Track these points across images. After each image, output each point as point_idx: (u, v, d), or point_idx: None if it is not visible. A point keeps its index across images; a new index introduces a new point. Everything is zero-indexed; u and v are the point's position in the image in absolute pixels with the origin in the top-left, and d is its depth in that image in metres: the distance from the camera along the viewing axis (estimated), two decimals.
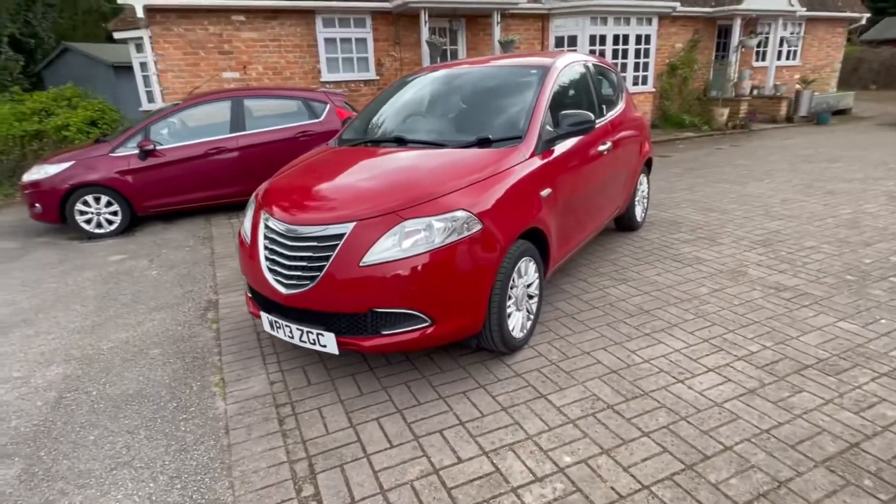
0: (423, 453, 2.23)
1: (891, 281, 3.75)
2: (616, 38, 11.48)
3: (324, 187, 2.92)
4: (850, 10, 15.37)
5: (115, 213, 6.17)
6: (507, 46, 9.75)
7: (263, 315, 2.84)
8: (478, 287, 2.60)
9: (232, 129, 6.54)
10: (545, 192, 3.05)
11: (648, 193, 5.39)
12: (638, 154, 4.75)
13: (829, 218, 5.31)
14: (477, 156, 2.92)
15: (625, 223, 5.03)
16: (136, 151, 6.12)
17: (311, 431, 2.42)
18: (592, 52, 11.25)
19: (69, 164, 5.98)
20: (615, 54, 11.52)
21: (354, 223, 2.53)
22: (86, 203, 6.03)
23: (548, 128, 3.23)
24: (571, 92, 3.74)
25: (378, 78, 10.07)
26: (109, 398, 2.79)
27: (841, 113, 14.81)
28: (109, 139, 6.38)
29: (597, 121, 3.90)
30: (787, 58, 15.10)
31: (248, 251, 2.92)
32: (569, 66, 3.74)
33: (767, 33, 14.02)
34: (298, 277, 2.61)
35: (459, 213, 2.55)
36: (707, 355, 2.89)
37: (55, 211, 5.96)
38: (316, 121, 6.84)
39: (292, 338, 2.71)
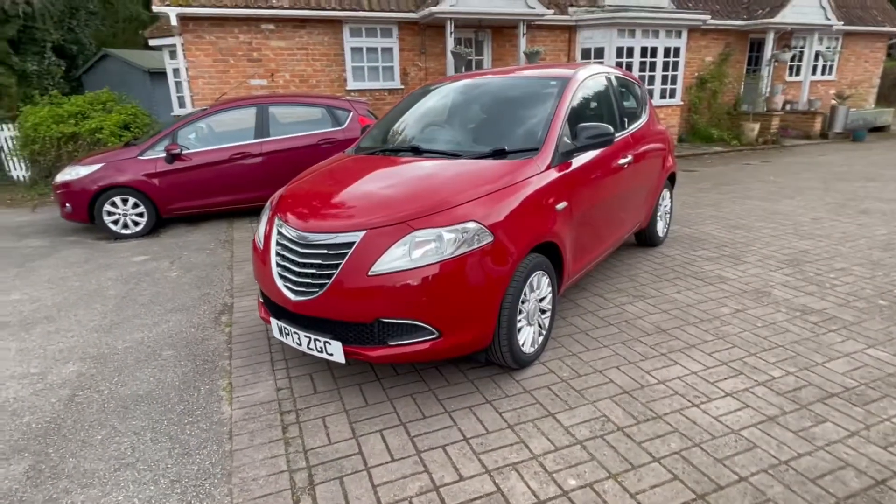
0: (424, 469, 2.19)
1: None
2: (644, 51, 11.34)
3: (336, 195, 2.92)
4: (891, 24, 14.89)
5: (141, 215, 6.32)
6: (532, 57, 9.72)
7: (273, 321, 2.85)
8: (487, 300, 2.56)
9: (256, 134, 6.65)
10: (560, 206, 3.00)
11: (671, 209, 5.27)
12: (660, 168, 4.65)
13: (861, 239, 5.10)
14: (491, 167, 2.89)
15: (646, 238, 4.92)
16: (164, 155, 6.27)
17: (313, 441, 2.39)
18: (619, 65, 11.15)
19: (99, 166, 6.16)
20: (642, 67, 11.39)
21: (364, 232, 2.52)
22: (114, 204, 6.19)
23: (565, 140, 3.18)
24: (592, 104, 3.68)
25: (403, 87, 10.14)
26: (120, 398, 2.82)
27: (879, 130, 14.33)
28: (139, 142, 6.56)
29: (617, 134, 3.84)
30: (823, 72, 14.70)
31: (260, 256, 2.93)
32: (590, 77, 3.68)
33: (802, 47, 13.69)
34: (308, 284, 2.60)
35: (470, 225, 2.51)
36: (725, 379, 2.78)
37: (84, 211, 6.14)
38: (339, 128, 6.92)
39: (300, 345, 2.70)
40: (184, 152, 6.32)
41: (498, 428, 2.44)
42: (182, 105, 10.71)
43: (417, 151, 3.30)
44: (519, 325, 2.80)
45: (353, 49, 9.68)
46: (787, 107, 13.40)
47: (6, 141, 10.05)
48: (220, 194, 6.59)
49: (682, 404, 2.57)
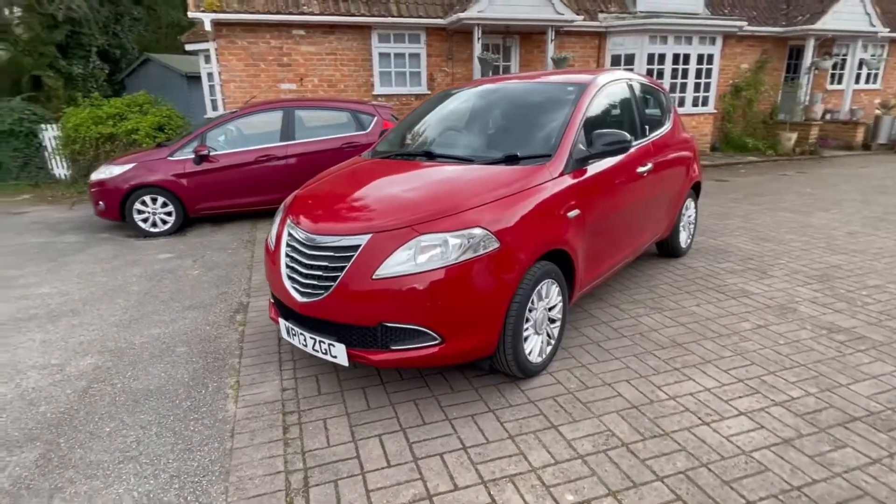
0: (419, 476, 2.16)
1: None
2: (676, 58, 11.12)
3: (345, 198, 2.93)
4: None
5: (169, 214, 6.49)
6: (559, 63, 9.63)
7: (281, 321, 2.87)
8: (492, 307, 2.52)
9: (282, 137, 6.77)
10: (573, 214, 2.94)
11: (696, 219, 5.12)
12: (684, 177, 4.52)
13: None
14: (501, 173, 2.85)
15: (668, 249, 4.79)
16: (192, 156, 6.43)
17: (312, 442, 2.40)
18: (650, 72, 10.95)
19: (131, 166, 6.37)
20: (674, 74, 11.17)
21: (370, 235, 2.52)
22: (144, 203, 6.38)
23: (580, 147, 3.12)
24: (610, 111, 3.61)
25: (429, 92, 10.19)
26: (131, 392, 2.89)
27: None
28: (170, 144, 6.76)
29: (637, 141, 3.76)
30: (867, 81, 14.14)
31: (271, 257, 2.97)
32: (609, 84, 3.62)
33: (844, 55, 13.20)
34: (314, 286, 2.62)
35: (476, 231, 2.48)
36: (740, 397, 2.67)
37: (116, 209, 6.35)
38: (363, 132, 6.98)
39: (306, 346, 2.71)
40: (211, 154, 6.48)
41: (498, 438, 2.40)
42: (215, 108, 11.03)
43: (431, 156, 3.30)
44: (525, 333, 2.75)
45: (380, 54, 9.78)
46: (828, 116, 12.93)
47: (50, 140, 10.51)
48: (246, 195, 6.72)
49: (692, 422, 2.47)
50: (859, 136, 12.75)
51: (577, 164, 3.08)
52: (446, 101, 3.94)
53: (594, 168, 3.22)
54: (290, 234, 2.86)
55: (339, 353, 2.57)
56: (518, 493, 2.06)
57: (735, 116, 12.48)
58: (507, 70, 10.82)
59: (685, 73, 11.29)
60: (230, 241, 6.00)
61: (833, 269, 4.50)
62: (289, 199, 3.24)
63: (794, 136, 11.88)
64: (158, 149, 6.72)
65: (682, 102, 11.51)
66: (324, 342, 2.60)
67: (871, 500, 1.99)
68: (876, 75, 14.23)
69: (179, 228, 6.59)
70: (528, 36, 10.57)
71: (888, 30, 12.61)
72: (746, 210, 6.86)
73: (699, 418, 2.50)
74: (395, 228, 2.51)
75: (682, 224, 4.76)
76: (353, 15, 9.17)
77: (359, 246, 2.51)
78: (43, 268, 5.21)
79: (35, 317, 3.98)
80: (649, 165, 3.77)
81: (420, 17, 9.58)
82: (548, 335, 2.97)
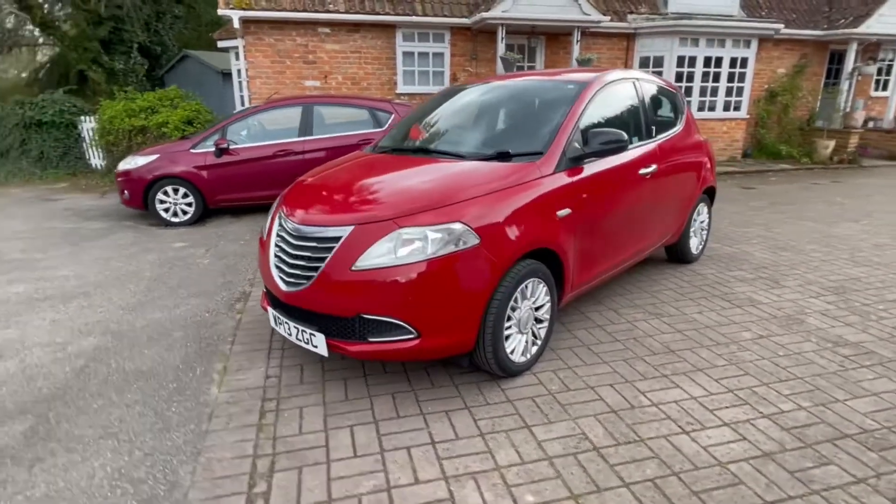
0: (382, 468, 2.16)
1: None
2: (707, 61, 10.83)
3: (335, 191, 2.96)
4: None
5: (189, 205, 6.69)
6: (584, 64, 9.50)
7: (269, 310, 2.92)
8: (470, 304, 2.50)
9: (300, 133, 6.89)
10: (563, 212, 2.89)
11: (709, 225, 4.96)
12: (695, 181, 4.40)
13: None
14: (490, 169, 2.83)
15: (677, 254, 4.66)
16: (213, 149, 6.61)
17: (285, 429, 2.43)
18: (679, 75, 10.70)
19: (155, 157, 6.59)
20: (705, 77, 10.87)
21: (352, 227, 2.54)
22: (166, 193, 6.59)
23: (575, 145, 3.06)
24: (612, 110, 3.54)
25: None
26: (123, 372, 2.98)
27: None
28: (193, 136, 6.96)
29: (641, 142, 3.68)
30: None
31: (263, 247, 3.02)
32: (612, 83, 3.54)
33: (891, 60, 12.59)
34: (297, 276, 2.65)
35: (456, 226, 2.47)
36: (727, 407, 2.57)
37: (140, 198, 6.58)
38: (379, 129, 7.03)
39: (290, 335, 2.75)
40: (231, 147, 6.64)
41: (469, 435, 2.38)
42: (244, 103, 11.27)
43: (426, 152, 3.31)
44: (508, 332, 2.72)
45: (404, 53, 9.85)
46: (870, 124, 12.36)
47: (88, 132, 10.96)
48: (263, 188, 6.85)
49: (670, 430, 2.40)
50: None
51: (572, 163, 3.03)
52: (450, 97, 3.94)
53: (592, 168, 3.16)
54: (280, 226, 2.90)
55: (319, 343, 2.60)
56: (478, 490, 2.04)
57: (769, 122, 12.06)
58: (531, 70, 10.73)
59: (716, 77, 10.98)
60: (244, 233, 6.14)
61: (851, 282, 4.30)
62: (285, 190, 3.29)
63: (831, 143, 11.40)
64: (182, 141, 6.93)
65: (712, 107, 11.19)
66: (306, 331, 2.64)
67: None
68: None
69: (199, 219, 6.78)
70: (555, 37, 10.46)
71: None
72: (769, 218, 6.62)
73: (679, 426, 2.42)
74: (375, 221, 2.52)
75: (692, 229, 4.63)
76: (378, 14, 9.26)
77: (340, 237, 2.53)
78: (65, 251, 5.43)
79: (50, 297, 4.16)
80: (653, 167, 3.68)
81: (445, 16, 9.60)
82: (534, 335, 2.93)
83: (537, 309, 2.90)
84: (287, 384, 2.82)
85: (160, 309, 3.91)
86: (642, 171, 3.59)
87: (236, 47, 10.45)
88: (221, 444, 2.32)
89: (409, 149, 3.45)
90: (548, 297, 2.93)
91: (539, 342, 2.97)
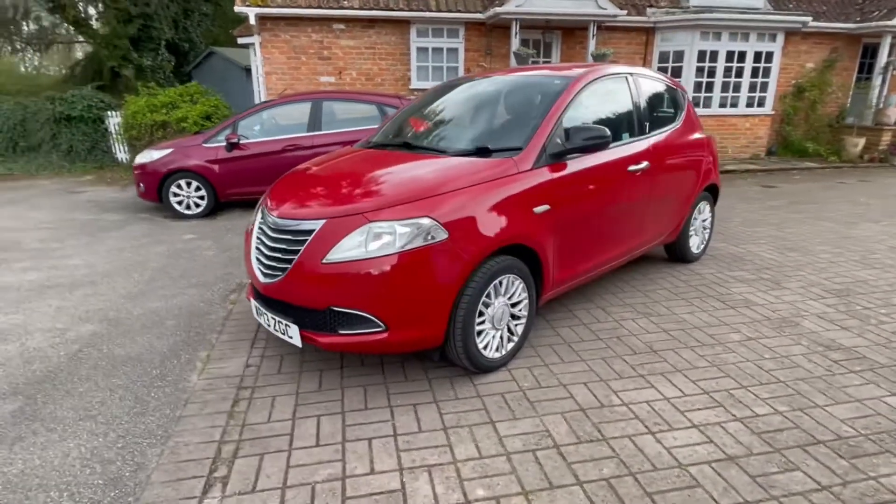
0: (341, 458, 2.20)
1: None
2: (730, 56, 10.54)
3: (314, 186, 3.01)
4: None
5: (202, 198, 6.86)
6: (599, 60, 9.35)
7: (252, 301, 2.99)
8: (437, 299, 2.52)
9: (309, 128, 6.98)
10: (540, 209, 2.88)
11: (712, 224, 4.85)
12: (695, 179, 4.30)
13: None
14: (465, 164, 2.84)
15: (676, 253, 4.58)
16: (224, 143, 6.76)
17: (255, 417, 2.49)
18: (700, 70, 10.44)
19: (169, 151, 6.78)
20: (727, 73, 10.58)
21: (324, 221, 2.58)
22: (179, 186, 6.78)
23: (557, 141, 3.04)
24: (601, 106, 3.49)
25: None
26: (112, 358, 3.10)
27: None
28: (206, 131, 7.14)
29: (631, 139, 3.62)
30: None
31: (247, 239, 3.09)
32: (601, 79, 3.49)
33: None
34: (274, 268, 2.71)
35: (424, 221, 2.49)
36: (699, 409, 2.53)
37: (154, 191, 6.78)
38: None
39: (269, 325, 2.82)
40: (242, 142, 6.78)
41: (432, 428, 2.40)
42: (260, 99, 11.47)
43: (410, 147, 3.32)
44: (480, 328, 2.73)
45: (418, 49, 9.87)
46: None
47: (114, 126, 11.34)
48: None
49: (636, 430, 2.37)
50: None
51: (553, 159, 3.01)
52: (442, 93, 3.95)
53: (576, 164, 3.13)
54: (261, 219, 2.97)
55: (294, 334, 2.65)
56: (430, 482, 2.06)
57: (796, 119, 11.67)
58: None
59: (739, 72, 10.67)
60: None
61: (857, 285, 4.14)
62: (272, 185, 3.36)
63: (861, 141, 10.97)
64: (195, 136, 7.11)
65: (734, 103, 10.89)
66: (282, 322, 2.69)
67: None
68: None
69: (212, 212, 6.95)
70: (571, 32, 10.33)
71: None
72: (784, 218, 6.42)
73: (646, 427, 2.39)
74: (347, 215, 2.56)
75: (692, 228, 4.53)
76: (393, 10, 9.29)
77: (313, 231, 2.58)
78: (81, 242, 5.65)
79: (58, 285, 4.34)
80: (644, 164, 3.61)
81: (459, 11, 9.58)
82: (510, 332, 2.93)
83: (514, 305, 2.90)
84: (265, 373, 2.89)
85: (159, 298, 4.03)
86: (632, 167, 3.53)
87: (254, 44, 10.64)
88: (192, 430, 2.40)
89: (395, 144, 3.48)
90: (525, 294, 2.92)
91: (516, 338, 2.96)
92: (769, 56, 10.76)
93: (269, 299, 2.81)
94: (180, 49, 19.02)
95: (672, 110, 4.22)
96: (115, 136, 11.38)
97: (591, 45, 9.71)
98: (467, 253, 2.55)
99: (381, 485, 2.05)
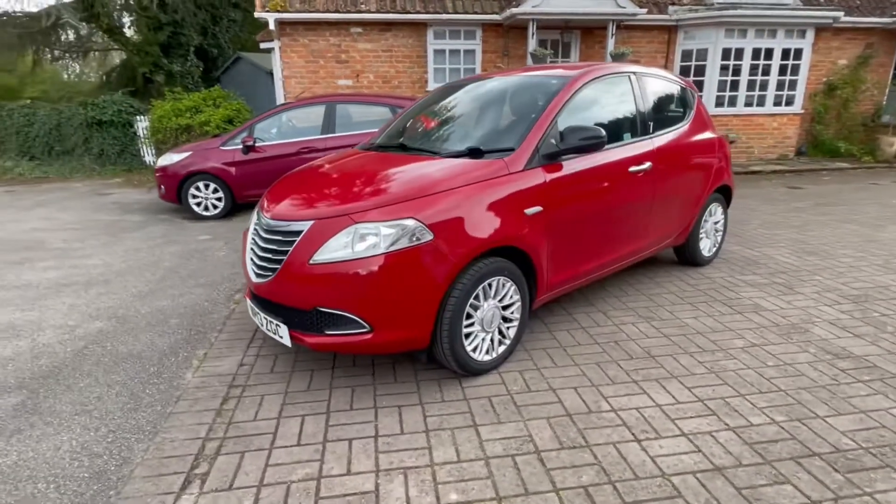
0: (320, 458, 2.21)
1: None
2: (756, 53, 10.23)
3: (307, 188, 3.03)
4: None
5: (219, 199, 7.02)
6: (618, 59, 9.20)
7: (248, 301, 3.04)
8: (423, 300, 2.51)
9: (323, 130, 7.07)
10: (532, 210, 2.84)
11: (725, 226, 4.70)
12: (704, 181, 4.18)
13: None
14: (455, 166, 2.82)
15: (686, 256, 4.46)
16: (241, 146, 6.90)
17: (242, 415, 2.52)
18: (724, 68, 10.17)
19: (188, 154, 6.96)
20: (753, 71, 10.27)
21: (312, 222, 2.60)
22: (198, 188, 6.95)
23: (551, 141, 2.99)
24: (598, 106, 3.42)
25: None
26: (115, 354, 3.19)
27: None
28: (224, 134, 7.30)
29: (635, 139, 3.54)
30: None
31: (244, 241, 3.14)
32: (600, 78, 3.43)
33: None
34: (265, 268, 2.75)
35: (409, 222, 2.48)
36: (691, 417, 2.45)
37: (174, 193, 6.97)
38: None
39: (262, 325, 2.86)
40: (257, 144, 6.91)
41: (414, 431, 2.39)
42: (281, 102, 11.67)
43: (406, 149, 3.33)
44: (469, 330, 2.71)
45: (435, 51, 9.89)
46: None
47: (142, 130, 11.71)
48: None
49: (622, 437, 2.31)
50: None
51: (547, 160, 2.97)
52: (443, 95, 3.94)
53: (572, 165, 3.08)
54: (256, 220, 3.01)
55: (283, 334, 2.68)
56: (405, 485, 2.05)
57: (827, 118, 11.24)
58: None
59: (766, 70, 10.35)
60: None
61: (877, 291, 3.96)
62: (269, 186, 3.41)
63: None
64: (214, 139, 7.28)
65: (761, 102, 10.57)
66: (273, 322, 2.73)
67: None
68: None
69: (228, 213, 7.11)
70: (590, 31, 10.20)
71: None
72: (807, 220, 6.19)
73: (632, 434, 2.33)
74: (334, 216, 2.57)
75: (703, 230, 4.41)
76: (409, 13, 9.34)
77: (301, 232, 2.60)
78: (100, 241, 5.84)
79: (75, 283, 4.50)
80: (647, 165, 3.53)
81: (476, 13, 9.57)
82: (501, 334, 2.90)
83: (505, 308, 2.87)
84: (257, 372, 2.93)
85: (167, 297, 4.14)
86: (633, 168, 3.45)
87: (274, 48, 10.84)
88: (179, 426, 2.44)
89: (392, 146, 3.48)
90: (517, 297, 2.89)
91: (507, 341, 2.93)
92: (798, 53, 10.41)
93: (262, 299, 2.84)
94: (209, 55, 19.51)
95: (680, 110, 4.12)
96: (143, 139, 11.76)
97: (610, 44, 9.56)
98: (454, 254, 2.53)
99: (355, 486, 2.05)
